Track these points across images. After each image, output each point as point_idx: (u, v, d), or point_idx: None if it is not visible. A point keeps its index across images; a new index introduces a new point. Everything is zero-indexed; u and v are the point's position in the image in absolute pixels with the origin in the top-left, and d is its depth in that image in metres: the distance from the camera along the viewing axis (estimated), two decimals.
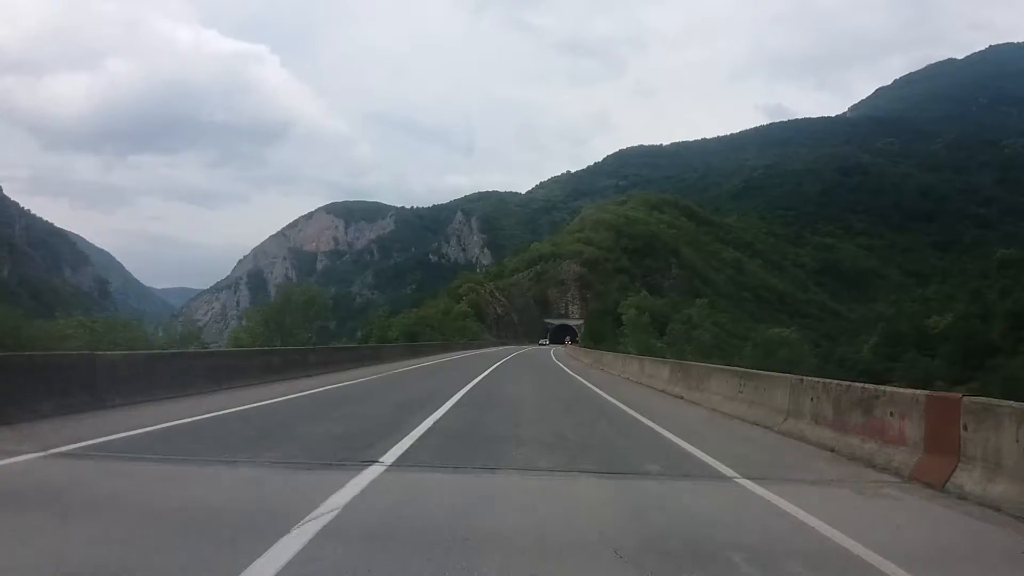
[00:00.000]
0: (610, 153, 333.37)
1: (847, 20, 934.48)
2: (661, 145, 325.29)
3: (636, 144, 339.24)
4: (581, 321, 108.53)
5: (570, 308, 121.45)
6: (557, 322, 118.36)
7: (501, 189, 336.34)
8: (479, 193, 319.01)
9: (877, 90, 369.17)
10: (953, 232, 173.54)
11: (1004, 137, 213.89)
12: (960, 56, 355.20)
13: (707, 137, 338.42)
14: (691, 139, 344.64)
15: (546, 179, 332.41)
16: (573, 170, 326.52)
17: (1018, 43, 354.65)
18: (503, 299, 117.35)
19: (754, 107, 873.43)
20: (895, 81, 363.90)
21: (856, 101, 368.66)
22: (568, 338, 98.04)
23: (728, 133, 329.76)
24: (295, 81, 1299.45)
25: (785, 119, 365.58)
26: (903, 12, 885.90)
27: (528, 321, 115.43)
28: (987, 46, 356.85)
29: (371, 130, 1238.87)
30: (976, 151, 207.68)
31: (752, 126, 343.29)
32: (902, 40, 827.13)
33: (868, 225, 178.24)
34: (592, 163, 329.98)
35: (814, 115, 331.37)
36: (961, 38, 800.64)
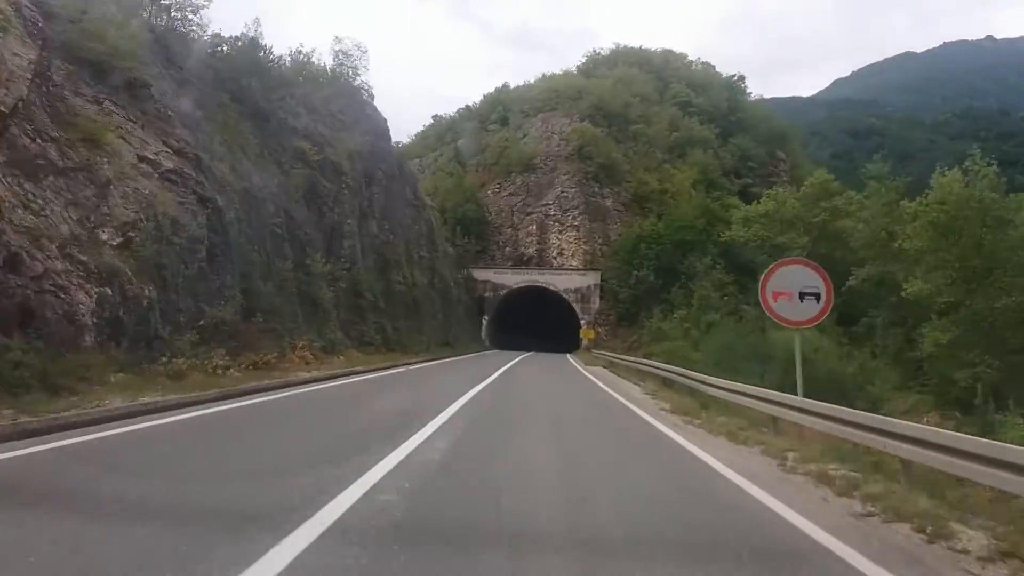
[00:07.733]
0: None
1: (789, 26, 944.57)
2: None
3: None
4: (592, 280, 43.21)
5: (552, 240, 46.25)
6: (519, 280, 45.55)
7: None
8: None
9: (834, 81, 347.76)
10: None
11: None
12: (919, 51, 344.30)
13: None
14: None
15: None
16: None
17: (972, 40, 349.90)
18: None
19: None
20: (853, 73, 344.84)
21: (814, 92, 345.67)
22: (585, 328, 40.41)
23: None
24: None
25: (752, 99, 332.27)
26: (847, 17, 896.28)
27: (407, 290, 32.67)
28: (941, 43, 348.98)
29: None
30: (993, 122, 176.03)
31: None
32: (846, 45, 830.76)
33: None
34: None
35: (783, 95, 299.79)
36: (910, 39, 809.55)
